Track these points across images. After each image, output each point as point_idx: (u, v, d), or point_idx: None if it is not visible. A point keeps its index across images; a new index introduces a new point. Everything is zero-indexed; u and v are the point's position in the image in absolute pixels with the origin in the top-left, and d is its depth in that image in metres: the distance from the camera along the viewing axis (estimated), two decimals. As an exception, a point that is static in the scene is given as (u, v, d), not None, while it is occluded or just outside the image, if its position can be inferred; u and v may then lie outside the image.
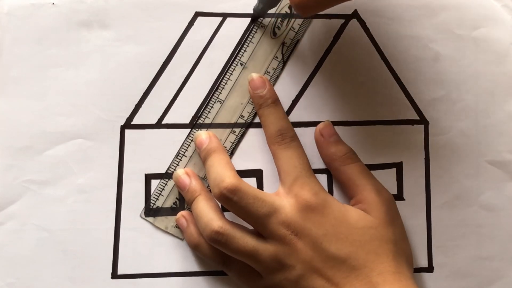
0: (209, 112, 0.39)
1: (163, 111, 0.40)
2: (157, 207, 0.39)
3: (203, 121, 0.39)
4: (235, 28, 0.40)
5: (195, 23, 0.40)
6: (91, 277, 0.38)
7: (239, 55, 0.40)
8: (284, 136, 0.38)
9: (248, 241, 0.35)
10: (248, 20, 0.40)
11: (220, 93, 0.39)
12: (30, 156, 0.39)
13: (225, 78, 0.40)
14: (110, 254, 0.38)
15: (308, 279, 0.35)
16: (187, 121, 0.40)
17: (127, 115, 0.39)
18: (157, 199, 0.39)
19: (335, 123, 0.40)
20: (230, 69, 0.40)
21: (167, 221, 0.39)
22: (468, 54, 0.41)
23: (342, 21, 0.41)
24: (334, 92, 0.40)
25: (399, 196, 0.39)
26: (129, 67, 0.40)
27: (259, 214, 0.35)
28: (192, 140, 0.39)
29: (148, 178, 0.39)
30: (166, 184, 0.39)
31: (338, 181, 0.39)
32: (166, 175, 0.39)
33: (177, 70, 0.40)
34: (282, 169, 0.37)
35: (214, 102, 0.39)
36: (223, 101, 0.39)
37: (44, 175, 0.39)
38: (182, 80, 0.40)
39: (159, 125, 0.40)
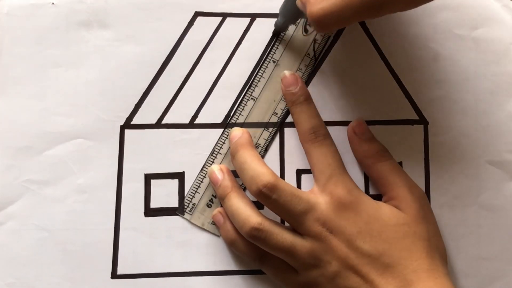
0: (242, 109, 0.40)
1: (163, 111, 0.40)
2: (193, 204, 0.39)
3: (237, 118, 0.40)
4: (235, 28, 0.40)
5: (195, 23, 0.40)
6: (91, 277, 0.38)
7: (271, 52, 0.40)
8: (317, 134, 0.38)
9: (285, 237, 0.35)
10: (248, 20, 0.40)
11: (254, 90, 0.40)
12: (30, 156, 0.39)
13: (258, 75, 0.40)
14: (110, 254, 0.39)
15: (343, 276, 0.35)
16: (187, 121, 0.40)
17: (127, 115, 0.39)
18: (193, 196, 0.39)
19: (335, 123, 0.40)
20: (263, 66, 0.40)
21: (204, 218, 0.39)
22: (468, 54, 0.41)
23: (342, 21, 0.41)
24: (334, 92, 0.40)
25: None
26: (129, 67, 0.40)
27: (296, 211, 0.35)
28: (226, 137, 0.39)
29: (148, 178, 0.39)
30: (201, 182, 0.39)
31: (371, 178, 0.39)
32: (202, 173, 0.39)
33: (177, 70, 0.40)
34: (316, 167, 0.37)
35: (248, 100, 0.40)
36: (256, 98, 0.40)
37: (44, 175, 0.39)
38: (182, 80, 0.40)
39: (159, 125, 0.40)
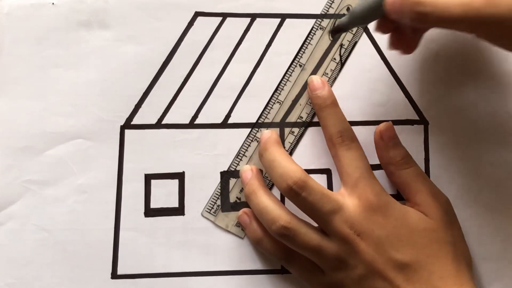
0: (268, 112, 0.40)
1: (163, 111, 0.40)
2: (218, 206, 0.39)
3: (263, 122, 0.40)
4: (235, 28, 0.40)
5: (195, 23, 0.40)
6: (91, 277, 0.38)
7: (298, 56, 0.40)
8: (344, 138, 0.37)
9: (313, 237, 0.35)
10: (248, 20, 0.40)
11: (280, 94, 0.40)
12: (30, 156, 0.39)
13: (284, 79, 0.40)
14: (110, 254, 0.39)
15: (369, 280, 0.35)
16: (187, 121, 0.40)
17: (127, 115, 0.39)
18: (218, 198, 0.39)
19: (335, 123, 0.40)
20: (289, 70, 0.40)
21: (228, 220, 0.39)
22: (468, 54, 0.41)
23: (342, 21, 0.41)
24: (334, 92, 0.40)
25: (400, 196, 0.39)
26: (129, 67, 0.40)
27: (324, 210, 0.35)
28: (252, 140, 0.39)
29: (148, 178, 0.39)
30: (227, 184, 0.39)
31: (394, 184, 0.39)
32: (227, 175, 0.39)
33: (177, 70, 0.40)
34: (343, 170, 0.37)
35: (274, 103, 0.40)
36: (282, 102, 0.40)
37: (44, 175, 0.39)
38: (182, 80, 0.40)
39: (159, 125, 0.40)
